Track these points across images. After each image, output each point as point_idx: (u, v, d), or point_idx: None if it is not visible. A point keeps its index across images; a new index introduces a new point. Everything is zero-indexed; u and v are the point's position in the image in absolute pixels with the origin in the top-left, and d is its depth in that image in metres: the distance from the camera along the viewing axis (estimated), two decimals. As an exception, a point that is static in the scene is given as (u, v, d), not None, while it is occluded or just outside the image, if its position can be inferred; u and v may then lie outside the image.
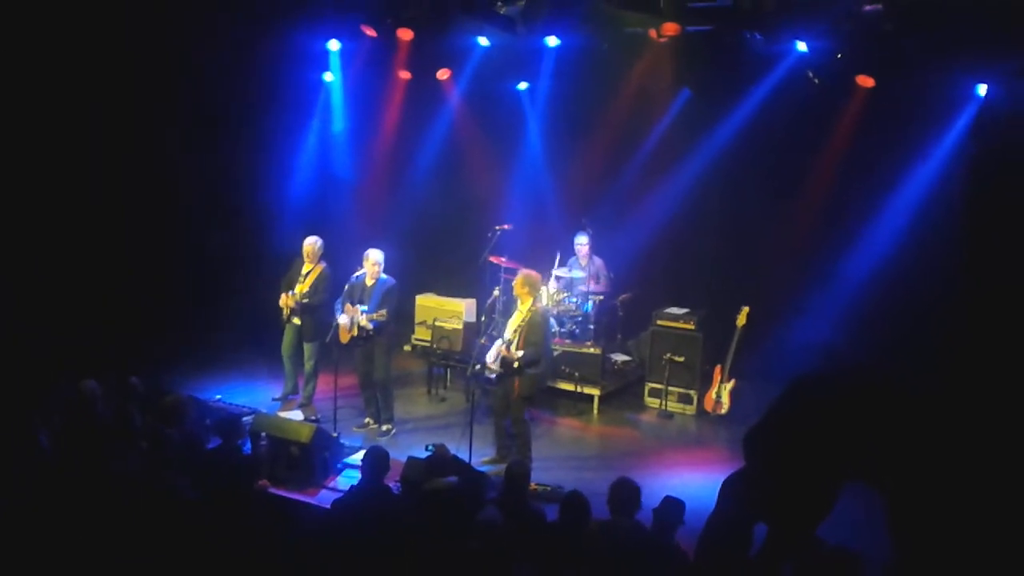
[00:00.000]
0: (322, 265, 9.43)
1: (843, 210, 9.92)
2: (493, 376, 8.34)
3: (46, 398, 7.37)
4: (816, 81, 9.34)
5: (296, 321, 9.49)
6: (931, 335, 8.89)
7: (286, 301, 9.41)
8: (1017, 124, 8.40)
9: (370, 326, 8.78)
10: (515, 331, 8.17)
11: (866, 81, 9.29)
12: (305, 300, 9.31)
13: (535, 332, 8.11)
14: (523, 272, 8.45)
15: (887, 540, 5.06)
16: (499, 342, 8.30)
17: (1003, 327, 8.47)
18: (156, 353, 9.66)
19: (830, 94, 9.49)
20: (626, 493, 5.59)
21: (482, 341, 8.75)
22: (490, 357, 8.29)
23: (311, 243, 9.43)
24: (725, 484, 5.54)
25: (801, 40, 9.22)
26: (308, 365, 9.62)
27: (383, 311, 8.75)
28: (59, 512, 5.85)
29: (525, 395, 8.21)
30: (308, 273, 9.40)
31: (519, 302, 8.34)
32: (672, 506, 5.64)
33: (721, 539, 5.26)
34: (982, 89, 8.90)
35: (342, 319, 8.86)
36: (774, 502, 5.16)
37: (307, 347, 9.55)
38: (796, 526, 5.14)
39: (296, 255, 9.54)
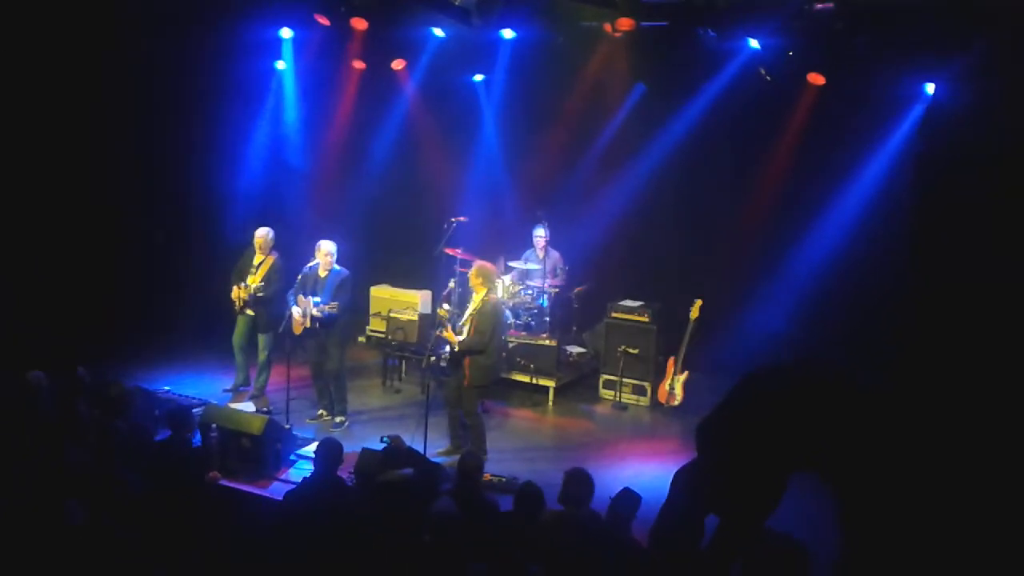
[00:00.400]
0: (274, 256, 9.34)
1: (794, 205, 10.06)
2: (446, 364, 8.33)
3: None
4: (768, 78, 9.47)
5: (249, 312, 9.39)
6: (880, 330, 9.07)
7: (238, 293, 9.30)
8: (963, 123, 8.57)
9: (323, 317, 8.72)
10: (466, 319, 8.18)
11: (817, 79, 9.44)
12: (260, 294, 9.21)
13: (484, 321, 8.14)
14: (477, 263, 8.47)
15: (838, 534, 5.14)
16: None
17: (949, 322, 8.64)
18: (104, 344, 9.47)
19: (782, 91, 9.63)
20: (579, 483, 5.63)
21: (437, 333, 8.73)
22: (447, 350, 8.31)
23: (262, 234, 9.33)
24: (677, 475, 5.57)
25: (753, 37, 9.34)
26: (262, 356, 9.52)
27: (334, 303, 8.69)
28: (4, 506, 5.72)
29: (476, 384, 8.22)
30: (260, 264, 9.31)
31: (473, 293, 8.35)
32: (628, 499, 5.68)
33: (673, 530, 5.30)
34: (930, 88, 9.08)
35: (295, 310, 8.78)
36: (725, 493, 5.21)
37: (261, 338, 9.45)
38: (746, 517, 5.19)
39: (247, 246, 9.43)
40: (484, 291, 8.26)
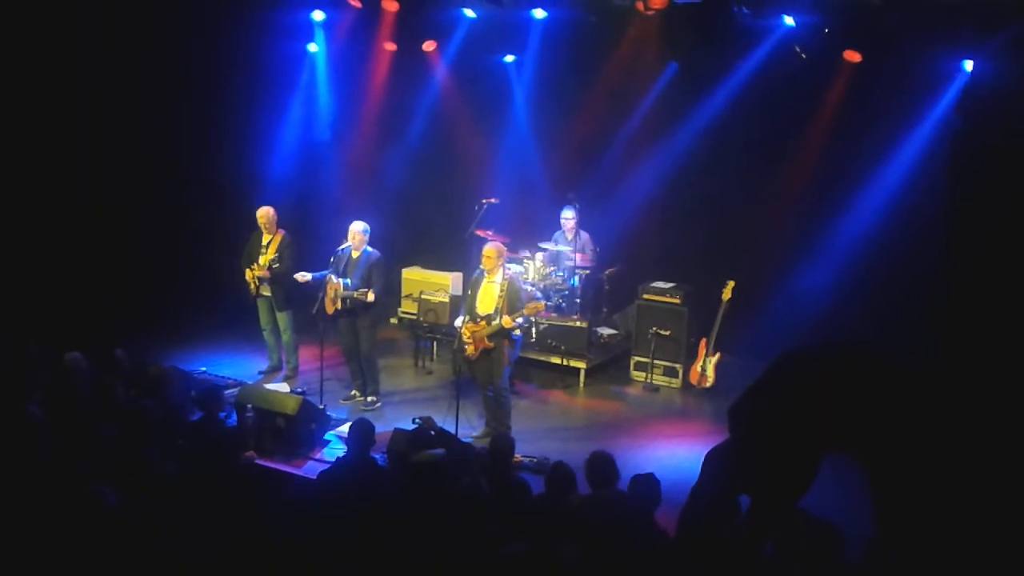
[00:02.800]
0: (282, 232, 9.40)
1: (829, 185, 9.92)
2: (476, 355, 8.33)
3: (32, 371, 7.32)
4: (803, 56, 9.33)
5: (265, 293, 9.46)
6: (917, 311, 8.94)
7: (252, 275, 9.36)
8: (1002, 100, 8.41)
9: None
10: (497, 300, 8.17)
11: (853, 56, 9.29)
12: (275, 265, 9.26)
13: (516, 297, 8.20)
14: (491, 244, 8.45)
15: (872, 515, 5.10)
16: (463, 319, 8.33)
17: (989, 304, 8.50)
18: (144, 326, 9.60)
19: (817, 69, 9.48)
20: (602, 466, 5.63)
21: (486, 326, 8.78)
22: (458, 322, 8.36)
23: (265, 213, 9.37)
24: (709, 456, 5.54)
25: (789, 14, 9.22)
26: (285, 337, 9.60)
27: (364, 290, 8.70)
28: (48, 482, 5.82)
29: (513, 360, 8.28)
30: (269, 243, 9.37)
31: (487, 274, 8.34)
32: (642, 485, 5.57)
33: (705, 510, 5.29)
34: (968, 65, 8.90)
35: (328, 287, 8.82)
36: (757, 474, 5.19)
37: (281, 317, 9.51)
38: (779, 498, 5.17)
39: (252, 229, 9.48)
40: (500, 270, 8.29)
